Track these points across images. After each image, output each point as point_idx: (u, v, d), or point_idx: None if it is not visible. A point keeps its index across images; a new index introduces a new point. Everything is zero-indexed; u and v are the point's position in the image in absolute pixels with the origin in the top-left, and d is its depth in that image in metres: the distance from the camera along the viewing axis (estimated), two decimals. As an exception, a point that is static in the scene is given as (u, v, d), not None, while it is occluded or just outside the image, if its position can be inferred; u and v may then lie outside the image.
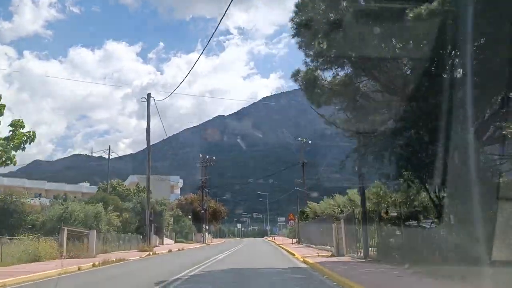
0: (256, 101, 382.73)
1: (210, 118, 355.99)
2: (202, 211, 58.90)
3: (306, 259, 20.35)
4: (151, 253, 29.60)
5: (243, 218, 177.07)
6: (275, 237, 70.66)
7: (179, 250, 37.13)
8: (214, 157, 62.25)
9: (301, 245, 38.69)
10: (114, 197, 44.90)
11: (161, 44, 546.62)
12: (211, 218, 68.26)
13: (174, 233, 56.13)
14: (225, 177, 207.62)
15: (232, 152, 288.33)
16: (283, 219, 63.08)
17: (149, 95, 34.56)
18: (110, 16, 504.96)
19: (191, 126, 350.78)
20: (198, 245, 51.27)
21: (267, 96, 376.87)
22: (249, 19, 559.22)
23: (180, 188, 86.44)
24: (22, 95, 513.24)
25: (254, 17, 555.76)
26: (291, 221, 43.94)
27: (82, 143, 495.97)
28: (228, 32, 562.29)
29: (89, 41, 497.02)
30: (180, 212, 59.27)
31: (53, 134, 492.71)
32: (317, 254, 24.17)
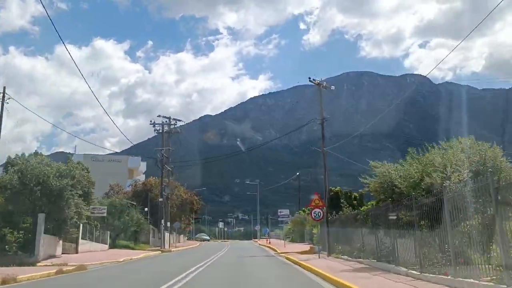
0: (243, 101, 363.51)
1: (197, 118, 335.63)
2: (161, 199, 36.13)
3: None
4: None
5: (228, 219, 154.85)
6: (269, 239, 48.39)
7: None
8: (183, 122, 39.86)
9: (350, 262, 16.19)
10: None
11: (150, 42, 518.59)
12: (179, 211, 45.65)
13: (109, 232, 33.12)
14: (211, 176, 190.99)
15: (218, 152, 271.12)
16: (285, 212, 39.11)
17: None
18: (99, 13, 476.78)
19: (177, 125, 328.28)
20: (146, 253, 28.60)
21: (255, 96, 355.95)
22: (239, 19, 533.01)
23: (144, 174, 62.93)
24: (7, 92, 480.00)
25: (244, 17, 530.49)
26: (316, 210, 21.04)
27: (68, 141, 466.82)
28: (217, 32, 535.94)
29: (77, 38, 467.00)
30: (125, 200, 36.28)
31: (38, 132, 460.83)
32: None
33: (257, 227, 68.60)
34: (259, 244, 48.04)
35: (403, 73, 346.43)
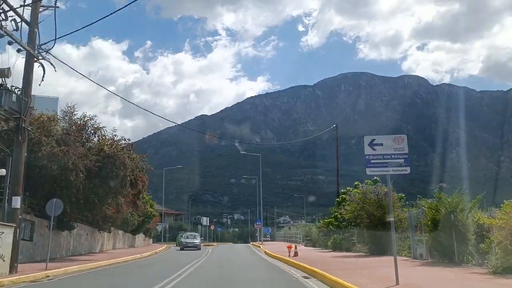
0: (240, 101, 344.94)
1: (193, 118, 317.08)
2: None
3: None
4: None
5: (223, 219, 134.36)
6: (296, 246, 24.96)
7: None
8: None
9: None
10: None
11: (148, 42, 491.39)
12: (105, 185, 20.88)
13: None
14: (206, 176, 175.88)
15: (213, 152, 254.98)
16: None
17: None
18: (97, 13, 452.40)
19: (173, 125, 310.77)
20: None
21: (251, 97, 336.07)
22: (238, 20, 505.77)
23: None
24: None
25: (243, 18, 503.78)
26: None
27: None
28: (216, 33, 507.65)
29: (75, 37, 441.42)
30: None
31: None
32: None
33: (258, 224, 45.44)
34: (266, 253, 24.87)
35: (400, 75, 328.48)
